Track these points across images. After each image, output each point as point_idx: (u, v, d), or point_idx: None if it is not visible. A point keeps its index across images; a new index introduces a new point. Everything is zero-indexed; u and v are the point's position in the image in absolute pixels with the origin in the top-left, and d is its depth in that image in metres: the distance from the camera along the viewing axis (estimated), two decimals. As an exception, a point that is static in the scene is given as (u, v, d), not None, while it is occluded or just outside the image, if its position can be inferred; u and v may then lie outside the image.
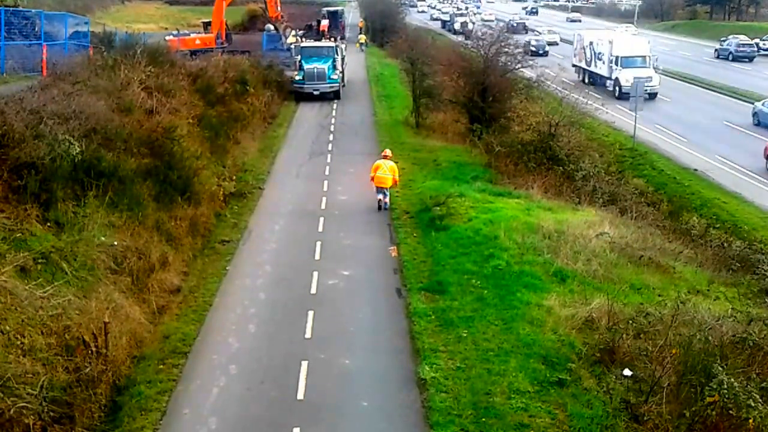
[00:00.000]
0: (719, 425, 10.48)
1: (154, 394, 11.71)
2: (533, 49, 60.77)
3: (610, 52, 44.89)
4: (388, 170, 21.19)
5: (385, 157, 21.96)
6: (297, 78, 39.25)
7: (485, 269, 15.84)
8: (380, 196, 21.19)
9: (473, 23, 75.26)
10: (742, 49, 59.07)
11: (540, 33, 76.75)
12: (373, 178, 21.29)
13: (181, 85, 24.58)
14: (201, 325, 14.14)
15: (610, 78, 44.67)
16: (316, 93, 38.66)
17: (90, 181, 15.20)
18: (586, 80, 48.64)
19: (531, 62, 33.26)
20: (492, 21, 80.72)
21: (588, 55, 48.85)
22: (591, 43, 48.42)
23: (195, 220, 18.62)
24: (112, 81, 20.39)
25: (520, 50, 33.01)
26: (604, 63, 45.77)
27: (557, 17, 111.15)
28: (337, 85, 39.56)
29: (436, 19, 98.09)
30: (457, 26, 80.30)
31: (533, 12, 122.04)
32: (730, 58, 57.66)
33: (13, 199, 13.38)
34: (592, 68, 48.09)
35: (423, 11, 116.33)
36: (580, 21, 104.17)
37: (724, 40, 62.30)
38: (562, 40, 71.66)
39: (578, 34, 53.51)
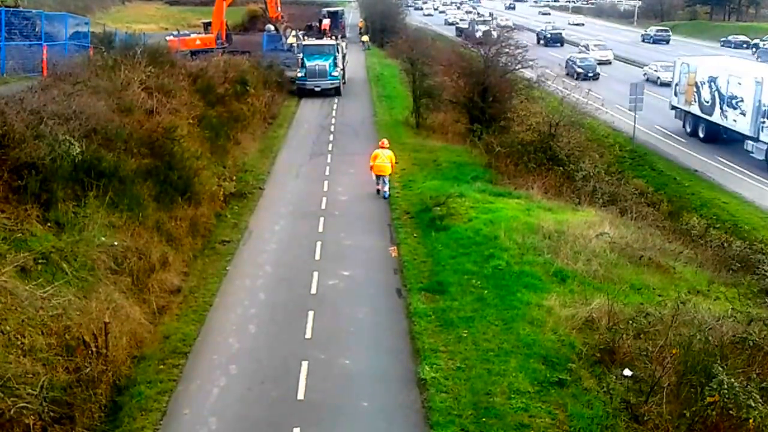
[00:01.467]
0: (719, 425, 10.48)
1: (155, 394, 11.71)
2: (580, 70, 49.44)
3: (756, 97, 29.34)
4: (386, 158, 22.45)
5: (382, 146, 23.05)
6: (299, 75, 40.26)
7: (485, 269, 15.84)
8: (380, 184, 22.48)
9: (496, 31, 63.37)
10: (659, 34, 77.85)
11: (586, 48, 60.44)
12: (372, 167, 22.49)
13: (181, 86, 24.59)
14: (201, 325, 14.14)
15: (755, 139, 29.36)
16: (317, 89, 39.62)
17: (90, 182, 15.20)
18: (701, 133, 34.22)
19: (531, 63, 33.21)
20: (509, 28, 66.07)
21: (707, 96, 33.42)
22: (713, 79, 33.07)
23: (195, 220, 18.62)
24: (113, 81, 20.39)
25: (520, 51, 32.86)
26: (743, 114, 30.34)
27: (530, 12, 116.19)
28: (338, 81, 40.56)
29: (451, 24, 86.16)
30: (479, 35, 57.83)
31: (511, 7, 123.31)
32: (651, 41, 76.49)
33: (13, 200, 13.39)
34: (716, 118, 32.64)
35: (429, 14, 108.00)
36: (549, 14, 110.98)
37: (646, 31, 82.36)
38: (615, 57, 59.43)
39: (684, 62, 37.05)
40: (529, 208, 20.07)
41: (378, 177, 22.41)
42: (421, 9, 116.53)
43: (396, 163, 23.33)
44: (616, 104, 36.56)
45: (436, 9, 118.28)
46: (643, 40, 77.57)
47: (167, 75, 24.28)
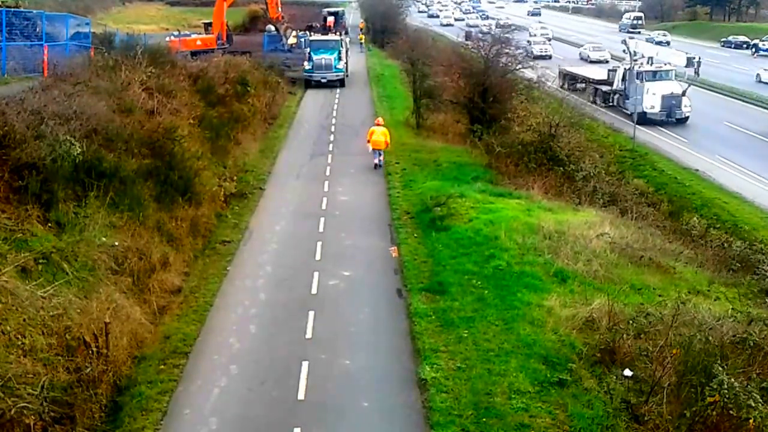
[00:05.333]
0: (720, 425, 10.48)
1: (155, 394, 11.72)
2: None
3: None
4: (381, 135, 25.38)
5: (378, 124, 26.16)
6: (307, 67, 43.47)
7: (486, 270, 15.84)
8: (375, 158, 25.37)
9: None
10: (535, 9, 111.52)
11: None
12: (369, 141, 25.45)
13: (181, 86, 24.59)
14: (202, 325, 14.15)
15: None
16: (324, 81, 42.92)
17: (91, 182, 15.21)
18: None
19: (531, 63, 33.25)
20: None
21: None
22: None
23: (196, 220, 18.62)
24: (113, 82, 20.40)
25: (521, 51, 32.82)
26: None
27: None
28: (342, 74, 43.91)
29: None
30: (536, 50, 57.28)
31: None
32: (531, 14, 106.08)
33: (14, 200, 13.40)
34: None
35: (449, 24, 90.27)
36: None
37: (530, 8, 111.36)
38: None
39: None
40: (529, 208, 20.06)
41: (375, 151, 25.24)
42: (437, 16, 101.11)
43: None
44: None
45: (456, 17, 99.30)
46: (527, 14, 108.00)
47: (168, 75, 24.29)
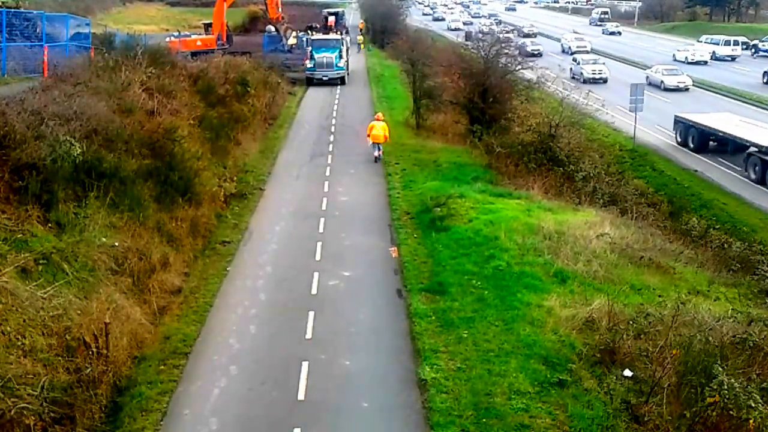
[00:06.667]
0: (720, 426, 10.47)
1: (155, 394, 11.72)
2: None
3: None
4: (380, 129, 26.69)
5: (377, 119, 27.47)
6: (309, 66, 44.82)
7: (486, 270, 15.85)
8: (375, 151, 26.63)
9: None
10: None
11: None
12: (369, 136, 26.64)
13: (181, 86, 24.59)
14: (202, 325, 14.15)
15: None
16: (325, 79, 44.29)
17: (91, 182, 15.21)
18: None
19: (531, 63, 33.27)
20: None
21: None
22: None
23: (196, 220, 18.63)
24: (113, 82, 20.40)
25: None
26: None
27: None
28: (343, 72, 45.35)
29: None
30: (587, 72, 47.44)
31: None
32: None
33: (14, 200, 13.41)
34: None
35: (457, 28, 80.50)
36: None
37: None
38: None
39: None
40: (529, 208, 20.06)
41: (374, 145, 26.44)
42: (443, 19, 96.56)
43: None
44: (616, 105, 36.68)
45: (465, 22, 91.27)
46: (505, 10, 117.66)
47: (168, 76, 24.28)
